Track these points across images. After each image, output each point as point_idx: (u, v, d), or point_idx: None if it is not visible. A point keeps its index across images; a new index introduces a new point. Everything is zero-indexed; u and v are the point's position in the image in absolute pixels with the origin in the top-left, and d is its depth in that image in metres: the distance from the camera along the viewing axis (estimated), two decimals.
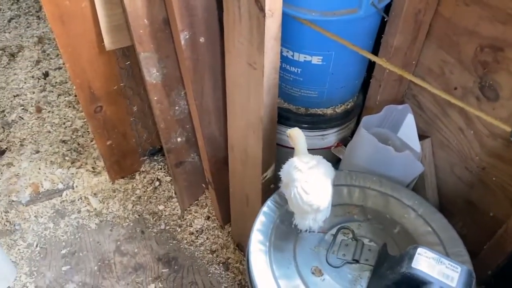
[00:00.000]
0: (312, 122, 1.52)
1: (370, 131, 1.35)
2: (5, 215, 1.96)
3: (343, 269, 1.07)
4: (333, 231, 1.16)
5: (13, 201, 2.01)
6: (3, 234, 1.90)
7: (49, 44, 2.83)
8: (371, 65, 1.50)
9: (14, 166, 2.15)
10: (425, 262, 0.89)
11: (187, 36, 1.37)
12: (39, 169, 2.13)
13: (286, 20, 1.22)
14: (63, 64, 2.67)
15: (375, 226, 1.17)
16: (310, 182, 1.04)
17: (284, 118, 1.51)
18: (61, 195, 2.04)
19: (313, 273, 1.06)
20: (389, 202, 1.23)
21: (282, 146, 1.60)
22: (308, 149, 1.59)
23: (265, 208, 1.20)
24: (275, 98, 1.31)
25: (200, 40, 1.40)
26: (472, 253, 1.12)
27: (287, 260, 1.08)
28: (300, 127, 1.51)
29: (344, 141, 1.63)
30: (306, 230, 1.09)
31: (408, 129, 1.46)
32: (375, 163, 1.32)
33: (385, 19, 1.33)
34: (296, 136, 1.16)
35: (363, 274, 1.06)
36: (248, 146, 1.46)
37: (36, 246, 1.88)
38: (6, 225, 1.94)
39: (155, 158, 2.19)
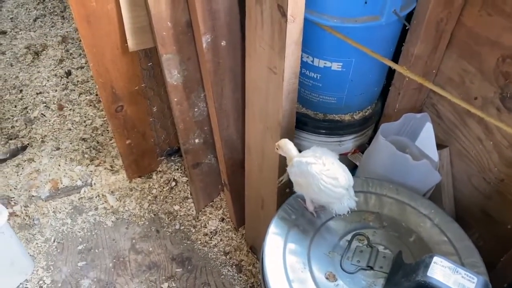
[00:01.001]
0: (329, 128, 1.53)
1: (388, 139, 1.35)
2: (24, 210, 2.01)
3: (357, 275, 1.07)
4: (348, 237, 1.16)
5: (33, 196, 2.06)
6: (22, 228, 1.95)
7: (72, 43, 2.89)
8: (390, 73, 1.50)
9: (35, 162, 2.20)
10: (440, 271, 0.89)
11: (209, 39, 1.39)
12: (59, 165, 2.18)
13: (308, 25, 1.23)
14: (86, 63, 2.73)
15: (390, 233, 1.17)
16: (330, 168, 1.08)
17: (302, 123, 1.52)
18: (80, 192, 2.07)
19: (327, 278, 1.07)
20: (405, 210, 1.23)
21: (299, 151, 1.61)
22: None
23: (281, 212, 1.20)
24: (294, 103, 1.32)
25: (222, 43, 1.42)
26: (487, 264, 1.11)
27: (301, 264, 1.09)
28: (318, 133, 1.53)
29: (361, 148, 1.63)
30: (348, 212, 1.11)
31: (426, 138, 1.45)
32: (392, 171, 1.32)
33: (407, 27, 1.33)
34: (285, 143, 1.19)
35: (377, 281, 1.06)
36: (265, 149, 1.47)
37: (54, 241, 1.92)
38: (25, 220, 1.98)
39: (172, 158, 2.21)
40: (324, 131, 1.54)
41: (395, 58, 1.42)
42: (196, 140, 1.81)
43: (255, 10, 1.22)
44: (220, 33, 1.40)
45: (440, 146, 1.44)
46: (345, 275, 1.07)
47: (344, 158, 1.62)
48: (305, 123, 1.53)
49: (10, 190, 2.07)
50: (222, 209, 2.04)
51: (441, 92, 1.23)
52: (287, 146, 1.18)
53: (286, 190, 1.54)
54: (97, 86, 1.70)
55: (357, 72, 1.37)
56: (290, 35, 1.15)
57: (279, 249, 1.12)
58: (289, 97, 1.28)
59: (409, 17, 1.31)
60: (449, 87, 1.38)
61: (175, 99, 1.63)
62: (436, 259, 0.91)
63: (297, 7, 1.09)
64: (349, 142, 1.59)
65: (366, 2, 1.18)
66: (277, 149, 1.21)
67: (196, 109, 1.71)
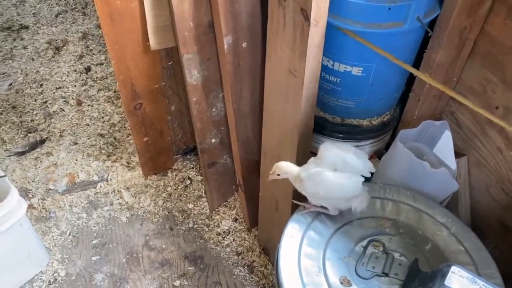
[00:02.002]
0: (347, 133, 1.53)
1: (406, 145, 1.34)
2: (41, 202, 2.04)
3: (371, 281, 1.07)
4: (364, 243, 1.16)
5: (50, 189, 2.09)
6: (39, 221, 1.98)
7: (92, 40, 2.93)
8: (410, 79, 1.50)
9: (53, 155, 2.24)
10: (458, 280, 0.89)
11: (230, 41, 1.40)
12: (76, 160, 2.21)
13: (329, 30, 1.22)
14: (105, 60, 2.76)
15: (406, 240, 1.17)
16: (341, 171, 1.12)
17: (319, 126, 1.52)
18: (96, 187, 2.10)
19: (341, 283, 1.07)
20: (422, 218, 1.22)
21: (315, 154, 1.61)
22: None
23: (296, 215, 1.21)
24: (313, 107, 1.32)
25: (243, 45, 1.43)
26: (503, 276, 1.10)
27: (316, 268, 1.09)
28: (335, 137, 1.53)
29: (378, 154, 1.63)
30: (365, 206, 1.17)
31: (445, 146, 1.44)
32: (410, 178, 1.31)
33: (429, 34, 1.32)
34: (283, 165, 1.20)
35: None
36: (282, 152, 1.48)
37: (69, 234, 1.94)
38: (42, 212, 2.01)
39: (188, 157, 2.23)
40: (341, 135, 1.54)
41: (416, 65, 1.41)
42: (213, 140, 1.82)
43: (278, 13, 1.22)
44: (241, 34, 1.41)
45: (458, 154, 1.43)
46: (359, 281, 1.07)
47: None
48: (323, 127, 1.54)
49: (28, 182, 2.11)
50: (235, 209, 2.05)
51: (463, 101, 1.22)
52: (287, 168, 1.19)
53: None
54: (117, 83, 1.72)
55: (377, 78, 1.37)
56: (312, 38, 1.15)
57: (294, 252, 1.12)
58: (308, 101, 1.28)
59: (432, 23, 1.31)
60: (470, 96, 1.36)
61: (194, 99, 1.64)
62: (454, 268, 0.90)
63: (320, 11, 1.10)
64: (366, 148, 1.58)
65: (389, 8, 1.18)
66: (277, 174, 1.21)
67: (214, 109, 1.72)
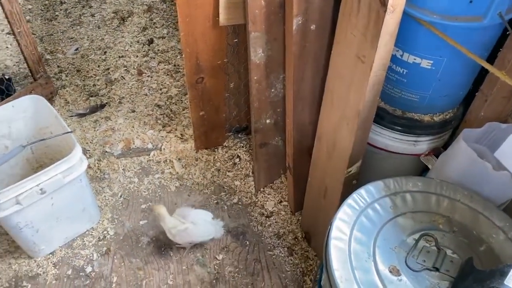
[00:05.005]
0: (407, 126, 1.50)
1: (468, 145, 1.31)
2: (97, 163, 2.14)
3: (421, 274, 1.06)
4: (416, 236, 1.15)
5: (106, 152, 2.18)
6: (93, 180, 2.07)
7: (156, 13, 3.00)
8: (478, 78, 1.45)
9: (111, 120, 2.33)
10: None
11: (300, 22, 1.41)
12: (133, 127, 2.29)
13: (404, 19, 1.20)
14: (167, 34, 2.83)
15: (460, 239, 1.15)
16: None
17: (378, 117, 1.51)
18: (149, 155, 2.18)
19: (390, 271, 1.07)
20: (478, 219, 1.20)
21: (371, 145, 1.60)
22: (397, 154, 1.60)
23: (350, 200, 1.21)
24: (377, 95, 1.31)
25: (311, 27, 1.43)
26: None
27: (366, 254, 1.10)
28: (394, 129, 1.52)
29: (435, 151, 1.59)
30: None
31: (507, 150, 1.39)
32: (469, 178, 1.28)
33: (508, 32, 1.27)
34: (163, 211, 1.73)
35: (442, 284, 1.04)
36: (338, 138, 1.47)
37: (120, 196, 2.03)
38: (97, 172, 2.11)
39: (239, 136, 2.26)
40: (400, 128, 1.52)
41: (489, 63, 1.36)
42: (268, 121, 1.84)
43: None
44: (311, 16, 1.41)
45: None
46: (409, 272, 1.07)
47: (416, 158, 1.59)
48: (382, 118, 1.52)
49: (87, 143, 2.21)
50: (281, 191, 2.07)
51: None
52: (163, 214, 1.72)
53: (352, 182, 1.54)
54: (181, 55, 1.76)
55: (446, 72, 1.34)
56: (386, 25, 1.14)
57: (345, 236, 1.13)
58: (373, 88, 1.27)
59: (511, 22, 1.26)
60: None
61: (255, 78, 1.66)
62: None
63: None
64: (424, 144, 1.56)
65: (471, 1, 1.14)
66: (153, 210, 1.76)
67: (272, 90, 1.74)
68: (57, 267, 1.78)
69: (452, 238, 1.15)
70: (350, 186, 1.53)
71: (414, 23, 1.25)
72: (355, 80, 1.30)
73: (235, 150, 2.22)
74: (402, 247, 1.12)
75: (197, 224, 1.74)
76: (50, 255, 1.81)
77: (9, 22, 2.06)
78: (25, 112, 1.80)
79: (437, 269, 1.07)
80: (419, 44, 1.30)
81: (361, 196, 1.22)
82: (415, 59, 1.33)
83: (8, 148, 1.79)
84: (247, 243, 1.89)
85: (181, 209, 1.80)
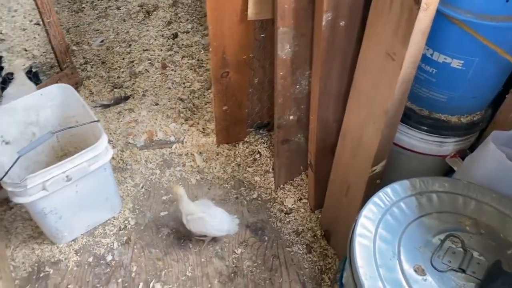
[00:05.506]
0: (433, 127, 1.49)
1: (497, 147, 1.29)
2: (120, 154, 2.16)
3: (446, 274, 1.05)
4: (442, 236, 1.14)
5: (129, 143, 2.21)
6: (116, 170, 2.10)
7: (181, 8, 3.02)
8: (509, 79, 1.43)
9: (134, 112, 2.36)
10: None
11: (329, 18, 1.40)
12: (156, 119, 2.31)
13: (436, 17, 1.19)
14: (192, 29, 2.85)
15: (487, 242, 1.13)
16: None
17: (405, 116, 1.49)
18: (171, 147, 2.20)
19: (415, 270, 1.06)
20: (506, 222, 1.18)
21: (396, 144, 1.59)
22: (421, 154, 1.58)
23: (375, 198, 1.20)
24: (406, 93, 1.30)
25: (341, 23, 1.42)
26: None
27: (391, 253, 1.09)
28: (420, 129, 1.50)
29: (461, 153, 1.57)
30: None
31: None
32: (498, 181, 1.26)
33: None
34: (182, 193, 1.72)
35: (468, 285, 1.03)
36: (363, 136, 1.47)
37: (142, 187, 2.05)
38: (119, 163, 2.13)
39: (260, 132, 2.27)
40: (426, 128, 1.50)
41: None
42: (291, 117, 1.84)
43: None
44: (341, 13, 1.40)
45: None
46: (434, 272, 1.06)
47: (441, 160, 1.57)
48: (409, 117, 1.51)
49: (110, 134, 2.24)
50: (301, 189, 2.06)
51: None
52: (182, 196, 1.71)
53: (376, 181, 1.53)
54: (209, 50, 1.77)
55: (477, 73, 1.32)
56: (419, 23, 1.13)
57: (370, 233, 1.12)
58: (402, 86, 1.26)
59: None
60: None
61: (281, 73, 1.66)
62: None
63: None
64: (450, 145, 1.54)
65: (507, 1, 1.13)
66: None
67: (297, 86, 1.74)
68: (78, 254, 1.81)
69: (479, 240, 1.13)
70: (373, 185, 1.52)
71: (446, 21, 1.23)
72: (384, 78, 1.29)
73: (255, 146, 2.23)
74: (427, 247, 1.11)
75: (214, 217, 1.74)
76: (72, 242, 1.84)
77: (39, 12, 2.10)
78: (52, 101, 1.83)
79: (463, 271, 1.05)
80: (450, 44, 1.28)
81: (386, 194, 1.21)
82: (445, 58, 1.32)
83: (36, 135, 1.83)
84: (266, 238, 1.89)
85: (203, 200, 1.81)
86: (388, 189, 1.23)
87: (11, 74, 2.11)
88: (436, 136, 1.51)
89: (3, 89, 2.25)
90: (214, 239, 1.86)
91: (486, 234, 1.15)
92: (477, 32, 1.18)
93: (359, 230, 1.12)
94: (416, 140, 1.54)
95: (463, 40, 1.24)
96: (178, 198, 1.71)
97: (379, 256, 1.08)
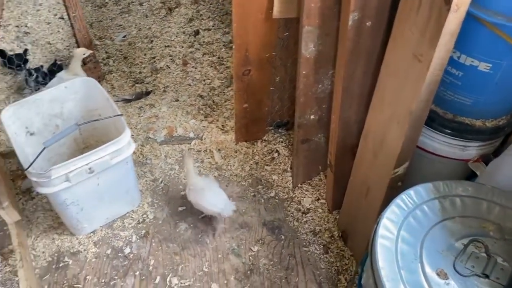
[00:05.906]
0: (457, 130, 1.47)
1: None
2: (140, 148, 2.18)
3: (470, 279, 1.04)
4: (465, 241, 1.12)
5: (149, 138, 2.23)
6: (136, 164, 2.12)
7: (203, 5, 3.03)
8: None
9: (155, 107, 2.38)
10: None
11: (356, 18, 1.40)
12: (176, 115, 2.33)
13: (465, 19, 1.18)
14: (213, 26, 2.86)
15: (511, 247, 1.12)
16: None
17: (428, 119, 1.47)
18: (190, 143, 2.21)
19: (438, 274, 1.05)
20: None
21: (418, 147, 1.57)
22: (444, 158, 1.56)
23: (398, 200, 1.20)
24: (432, 96, 1.29)
25: (367, 24, 1.42)
26: None
27: (413, 255, 1.08)
28: (443, 132, 1.48)
29: (484, 158, 1.55)
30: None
31: None
32: None
33: None
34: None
35: None
36: (386, 137, 1.46)
37: (161, 182, 2.07)
38: (139, 157, 2.16)
39: (279, 131, 2.27)
40: (450, 132, 1.49)
41: None
42: (312, 116, 1.84)
43: None
44: (367, 13, 1.39)
45: None
46: (457, 277, 1.05)
47: (463, 164, 1.55)
48: (432, 120, 1.49)
49: (131, 128, 2.26)
50: (319, 189, 2.06)
51: None
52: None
53: (398, 183, 1.52)
54: (231, 47, 1.77)
55: (505, 77, 1.30)
56: (448, 24, 1.12)
57: (392, 235, 1.12)
58: (428, 88, 1.25)
59: None
60: None
61: (304, 72, 1.66)
62: None
63: None
64: (473, 149, 1.52)
65: None
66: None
67: (320, 85, 1.74)
68: (97, 246, 1.83)
69: (504, 246, 1.12)
70: (395, 187, 1.51)
71: (475, 23, 1.22)
72: (409, 79, 1.28)
73: (274, 144, 2.23)
74: (450, 251, 1.10)
75: (213, 193, 1.80)
76: (91, 233, 1.86)
77: (65, 6, 2.13)
78: (76, 94, 1.85)
79: (486, 276, 1.04)
80: (478, 46, 1.27)
81: (409, 196, 1.21)
82: (472, 61, 1.30)
83: (59, 127, 1.86)
84: (283, 237, 1.90)
85: (209, 177, 1.92)
86: (411, 191, 1.22)
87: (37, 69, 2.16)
88: (460, 139, 1.49)
89: (27, 81, 2.30)
90: (232, 237, 1.87)
91: (510, 240, 1.14)
92: (508, 35, 1.17)
93: (381, 231, 1.12)
94: (439, 143, 1.52)
95: (492, 43, 1.23)
96: (186, 169, 1.79)
97: (401, 258, 1.07)
